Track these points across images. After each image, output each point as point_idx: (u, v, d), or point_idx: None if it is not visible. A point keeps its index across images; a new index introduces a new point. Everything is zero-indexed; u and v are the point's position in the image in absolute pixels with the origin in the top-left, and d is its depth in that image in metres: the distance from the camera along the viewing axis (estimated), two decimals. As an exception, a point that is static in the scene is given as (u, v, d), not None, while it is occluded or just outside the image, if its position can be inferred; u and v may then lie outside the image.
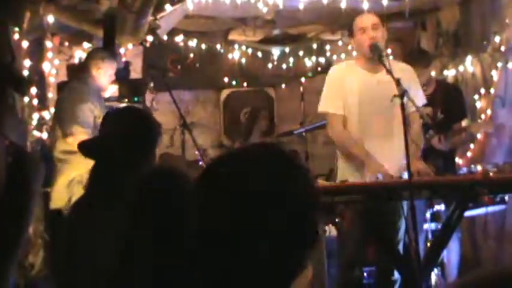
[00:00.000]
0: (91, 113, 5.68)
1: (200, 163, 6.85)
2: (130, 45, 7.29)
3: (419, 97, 4.81)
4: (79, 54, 7.54)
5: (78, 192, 5.58)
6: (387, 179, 4.43)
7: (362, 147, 4.69)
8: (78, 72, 6.17)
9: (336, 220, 5.13)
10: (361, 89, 4.77)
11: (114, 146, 2.96)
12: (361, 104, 4.75)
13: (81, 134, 5.57)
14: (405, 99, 4.19)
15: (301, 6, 6.32)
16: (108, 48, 6.17)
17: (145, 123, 3.06)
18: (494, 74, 6.70)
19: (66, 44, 7.70)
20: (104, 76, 5.94)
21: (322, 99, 4.89)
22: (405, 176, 4.29)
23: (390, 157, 4.67)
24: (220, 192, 1.51)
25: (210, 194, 1.52)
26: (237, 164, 1.55)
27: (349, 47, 7.57)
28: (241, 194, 1.49)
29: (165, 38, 7.69)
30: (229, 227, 1.47)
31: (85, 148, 3.12)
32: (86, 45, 7.31)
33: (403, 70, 4.75)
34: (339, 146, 4.88)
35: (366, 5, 5.97)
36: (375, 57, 4.62)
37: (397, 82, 4.22)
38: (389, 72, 4.33)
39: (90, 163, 5.55)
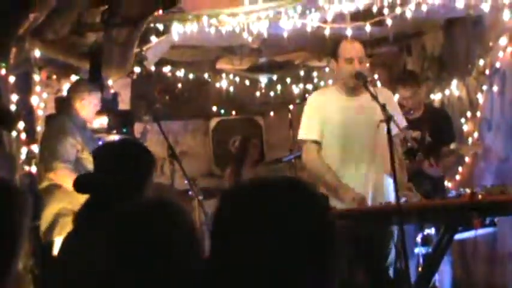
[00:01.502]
0: (72, 148, 5.68)
1: (190, 193, 6.82)
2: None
3: (399, 120, 4.80)
4: (67, 87, 7.50)
5: (66, 225, 5.58)
6: (364, 205, 4.40)
7: (334, 175, 4.63)
8: (62, 106, 6.19)
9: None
10: (342, 115, 4.73)
11: (107, 181, 2.96)
12: (343, 130, 4.70)
13: (62, 170, 5.60)
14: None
15: (285, 35, 6.35)
16: (94, 81, 6.18)
17: (139, 156, 3.06)
18: (480, 97, 6.73)
19: (54, 77, 7.69)
20: (88, 107, 5.94)
21: (300, 127, 4.85)
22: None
23: (374, 184, 4.66)
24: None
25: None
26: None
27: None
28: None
29: (153, 68, 7.70)
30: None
31: (78, 185, 3.11)
32: (74, 77, 7.29)
33: (384, 95, 4.72)
34: (313, 173, 4.79)
35: (349, 32, 5.99)
36: (358, 85, 4.60)
37: (383, 107, 4.21)
38: (374, 97, 4.32)
39: (74, 196, 5.52)
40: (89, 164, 5.71)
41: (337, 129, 4.71)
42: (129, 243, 2.01)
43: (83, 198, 5.50)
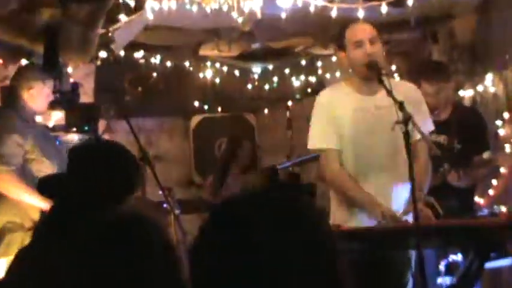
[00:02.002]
0: (18, 148, 5.65)
1: (164, 205, 6.80)
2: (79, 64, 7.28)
3: (427, 123, 4.81)
4: (16, 74, 7.50)
5: (12, 243, 5.54)
6: (393, 224, 4.41)
7: (362, 189, 4.68)
8: (6, 96, 6.14)
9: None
10: (355, 118, 4.75)
11: (83, 186, 2.99)
12: (357, 136, 4.73)
13: (5, 174, 5.55)
14: (410, 126, 4.17)
15: (283, 16, 6.33)
16: (49, 67, 6.14)
17: (123, 163, 3.11)
18: (520, 95, 6.75)
19: (0, 61, 7.66)
20: (38, 98, 5.91)
21: (311, 134, 4.87)
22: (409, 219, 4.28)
23: (394, 198, 4.67)
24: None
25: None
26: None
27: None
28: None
29: (122, 53, 7.68)
30: None
31: (44, 184, 3.14)
32: (25, 62, 7.28)
33: (407, 91, 4.73)
34: (335, 187, 4.86)
35: (361, 13, 5.98)
36: (372, 77, 4.61)
37: (400, 105, 4.21)
38: (390, 93, 4.31)
39: (22, 207, 5.47)
40: (40, 167, 5.68)
41: (351, 135, 4.75)
42: (105, 259, 2.05)
43: (32, 210, 5.50)
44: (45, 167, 5.68)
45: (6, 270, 3.01)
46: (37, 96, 5.90)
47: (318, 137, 4.85)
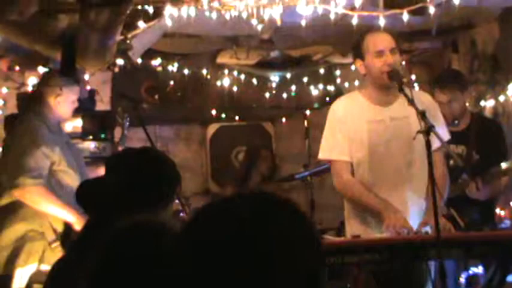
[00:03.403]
0: (45, 159, 5.59)
1: (181, 214, 6.80)
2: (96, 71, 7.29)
3: (443, 134, 4.79)
4: (32, 80, 7.53)
5: (33, 251, 5.52)
6: (411, 235, 4.39)
7: (377, 196, 4.67)
8: (31, 104, 6.10)
9: (347, 286, 5.07)
10: (370, 129, 4.75)
11: (116, 195, 2.97)
12: (372, 147, 4.74)
13: (31, 187, 5.49)
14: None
15: (303, 23, 6.32)
16: (67, 74, 6.14)
17: (160, 171, 3.07)
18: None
19: (17, 68, 7.70)
20: (65, 105, 5.88)
21: (322, 145, 4.89)
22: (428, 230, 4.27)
23: (410, 210, 4.65)
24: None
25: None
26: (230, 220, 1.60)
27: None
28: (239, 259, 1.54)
29: (139, 61, 7.69)
30: None
31: (81, 194, 3.10)
32: (41, 69, 7.30)
33: (423, 100, 4.72)
34: (348, 196, 4.86)
35: (382, 22, 5.96)
36: (391, 87, 4.60)
37: (422, 115, 4.19)
38: (411, 103, 4.29)
39: (45, 216, 5.46)
40: (67, 178, 5.66)
41: (366, 147, 4.76)
42: (119, 271, 2.03)
43: (56, 221, 5.48)
44: (71, 179, 5.66)
45: (44, 283, 3.01)
46: (64, 103, 5.86)
47: (328, 148, 4.86)
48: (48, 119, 5.81)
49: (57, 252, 5.38)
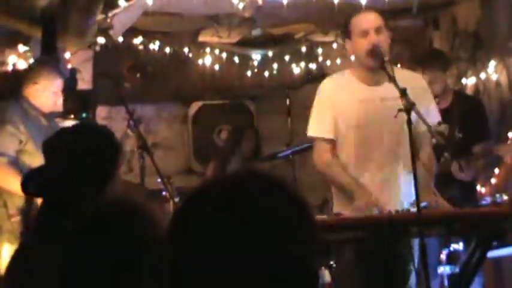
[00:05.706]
0: (12, 138, 5.62)
1: (163, 193, 6.80)
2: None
3: (433, 113, 4.78)
4: (13, 59, 7.47)
5: (3, 230, 5.55)
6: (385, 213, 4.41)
7: (350, 175, 4.67)
8: (11, 86, 6.11)
9: (330, 263, 5.09)
10: (359, 108, 4.73)
11: (61, 181, 2.92)
12: (360, 127, 4.71)
13: None
14: (415, 116, 4.17)
15: (284, 1, 6.32)
16: (47, 53, 6.11)
17: (100, 145, 3.02)
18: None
19: (-4, 46, 7.66)
20: (44, 94, 5.87)
21: (310, 122, 4.88)
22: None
23: (397, 191, 4.66)
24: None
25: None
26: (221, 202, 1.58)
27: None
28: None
29: (120, 40, 7.67)
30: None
31: (26, 185, 3.07)
32: (22, 48, 7.25)
33: (411, 80, 4.72)
34: (325, 176, 4.86)
35: (363, 0, 5.97)
36: (376, 65, 4.59)
37: (403, 93, 4.20)
38: (392, 80, 4.30)
39: (8, 195, 5.44)
40: (30, 157, 5.66)
41: (354, 126, 4.73)
42: (90, 259, 2.00)
43: (17, 197, 5.48)
44: (38, 161, 5.65)
45: (4, 273, 3.00)
46: (42, 92, 5.85)
47: (314, 125, 4.85)
48: (21, 103, 5.83)
49: (15, 227, 5.42)
